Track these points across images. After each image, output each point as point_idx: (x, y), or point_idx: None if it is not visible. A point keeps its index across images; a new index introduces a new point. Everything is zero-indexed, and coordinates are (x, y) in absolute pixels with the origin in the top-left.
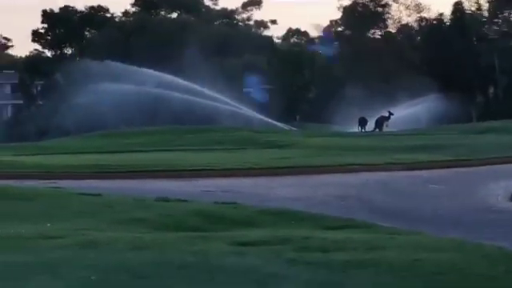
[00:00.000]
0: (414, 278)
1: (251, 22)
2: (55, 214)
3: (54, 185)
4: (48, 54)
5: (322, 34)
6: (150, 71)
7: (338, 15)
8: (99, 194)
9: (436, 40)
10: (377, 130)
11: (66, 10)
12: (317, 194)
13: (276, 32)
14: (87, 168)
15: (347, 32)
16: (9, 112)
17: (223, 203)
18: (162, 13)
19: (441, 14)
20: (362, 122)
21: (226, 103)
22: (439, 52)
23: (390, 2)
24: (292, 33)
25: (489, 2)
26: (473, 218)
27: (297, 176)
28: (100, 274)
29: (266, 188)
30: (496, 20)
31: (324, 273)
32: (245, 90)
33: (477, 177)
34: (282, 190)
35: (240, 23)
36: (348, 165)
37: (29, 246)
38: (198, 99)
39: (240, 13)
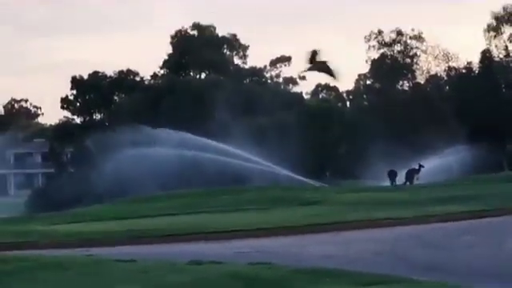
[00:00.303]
0: None
1: (280, 79)
2: (91, 282)
3: (88, 252)
4: (77, 120)
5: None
6: (180, 133)
7: (366, 68)
8: (134, 260)
9: (465, 89)
10: (407, 183)
11: (95, 75)
12: (351, 251)
13: (305, 88)
14: (121, 234)
15: (376, 85)
16: (40, 181)
17: (257, 264)
18: (191, 73)
19: (469, 63)
20: (392, 175)
21: (256, 162)
22: (469, 101)
23: (419, 53)
24: (321, 88)
25: None
26: (510, 269)
27: (330, 233)
28: None
29: (299, 246)
30: None
31: None
32: None
33: (511, 226)
34: (315, 248)
35: (269, 81)
36: (380, 219)
37: None
38: (227, 159)
39: (269, 70)
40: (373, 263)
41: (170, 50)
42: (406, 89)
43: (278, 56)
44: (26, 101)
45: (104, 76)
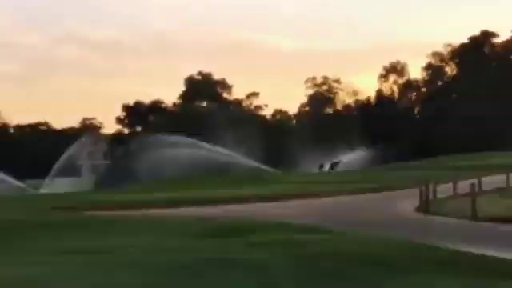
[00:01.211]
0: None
1: (252, 107)
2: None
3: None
4: (126, 131)
5: None
6: (188, 139)
7: (305, 99)
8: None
9: (367, 113)
10: (331, 170)
11: (138, 103)
12: (293, 212)
13: (268, 111)
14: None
15: (312, 110)
16: (102, 169)
17: (238, 218)
18: (196, 102)
19: (368, 97)
20: (320, 166)
21: (234, 157)
22: (369, 120)
23: (338, 91)
24: (278, 112)
25: (399, 88)
26: (387, 221)
27: (281, 201)
28: None
29: (261, 211)
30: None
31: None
32: None
33: (399, 197)
34: (271, 210)
35: (245, 107)
36: (313, 192)
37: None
38: (216, 155)
39: (245, 100)
40: (308, 220)
41: (183, 88)
42: (331, 112)
43: (251, 92)
44: (94, 119)
45: (143, 103)
